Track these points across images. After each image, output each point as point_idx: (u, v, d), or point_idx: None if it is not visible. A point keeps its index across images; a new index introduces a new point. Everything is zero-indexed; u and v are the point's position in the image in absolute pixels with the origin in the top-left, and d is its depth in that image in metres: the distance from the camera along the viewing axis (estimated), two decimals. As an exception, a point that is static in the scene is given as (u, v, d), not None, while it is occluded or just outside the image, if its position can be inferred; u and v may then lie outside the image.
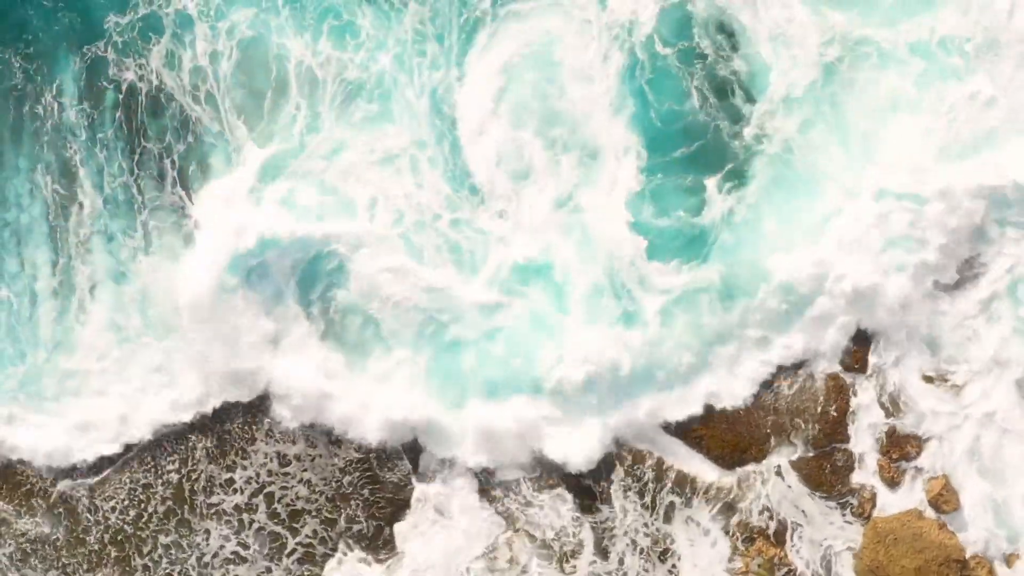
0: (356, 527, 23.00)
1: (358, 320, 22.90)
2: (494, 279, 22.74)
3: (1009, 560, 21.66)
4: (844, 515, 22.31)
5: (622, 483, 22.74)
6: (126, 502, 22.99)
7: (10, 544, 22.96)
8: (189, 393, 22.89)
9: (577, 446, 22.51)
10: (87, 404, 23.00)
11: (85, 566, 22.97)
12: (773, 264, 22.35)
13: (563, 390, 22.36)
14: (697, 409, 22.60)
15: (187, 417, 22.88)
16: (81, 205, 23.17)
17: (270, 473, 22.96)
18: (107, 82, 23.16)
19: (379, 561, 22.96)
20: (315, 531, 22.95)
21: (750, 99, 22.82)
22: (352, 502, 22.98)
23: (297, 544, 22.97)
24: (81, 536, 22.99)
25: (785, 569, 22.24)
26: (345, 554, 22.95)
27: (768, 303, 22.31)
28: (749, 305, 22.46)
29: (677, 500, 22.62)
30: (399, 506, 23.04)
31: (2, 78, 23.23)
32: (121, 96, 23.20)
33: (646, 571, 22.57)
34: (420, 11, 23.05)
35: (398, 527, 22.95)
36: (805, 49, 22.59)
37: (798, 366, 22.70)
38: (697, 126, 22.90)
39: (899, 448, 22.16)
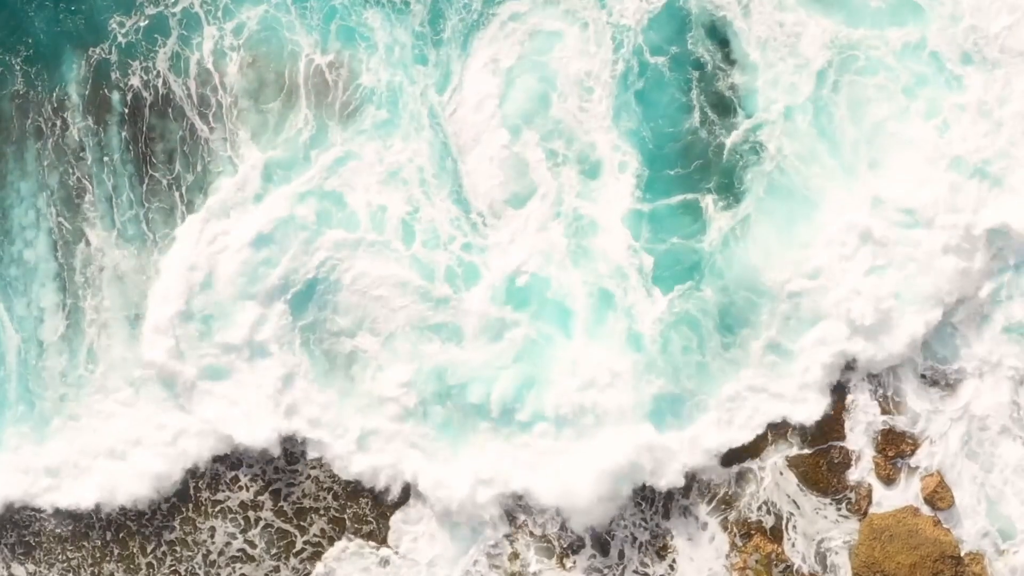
0: (366, 527, 22.95)
1: (352, 352, 22.61)
2: (494, 304, 22.39)
3: (1003, 556, 21.87)
4: (839, 510, 22.47)
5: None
6: (129, 498, 23.04)
7: (12, 536, 22.96)
8: (195, 447, 22.59)
9: (580, 502, 22.11)
10: (98, 460, 22.69)
11: (90, 561, 22.97)
12: (774, 292, 22.28)
13: (566, 423, 22.18)
14: (709, 460, 22.34)
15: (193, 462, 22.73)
16: (88, 242, 22.91)
17: (277, 470, 22.93)
18: (109, 90, 22.79)
19: (385, 545, 22.97)
20: (323, 530, 22.85)
21: (748, 114, 22.72)
22: (360, 499, 22.98)
23: (305, 543, 22.88)
24: (84, 531, 22.99)
25: (783, 565, 22.43)
26: (347, 545, 23.00)
27: (771, 337, 22.28)
28: (751, 339, 22.38)
29: (675, 489, 22.67)
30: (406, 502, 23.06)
31: (4, 84, 22.92)
32: (126, 110, 22.86)
33: (645, 566, 22.74)
34: (421, 13, 22.87)
35: (394, 519, 22.92)
36: (797, 57, 22.53)
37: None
38: (693, 141, 22.76)
39: (894, 446, 22.27)
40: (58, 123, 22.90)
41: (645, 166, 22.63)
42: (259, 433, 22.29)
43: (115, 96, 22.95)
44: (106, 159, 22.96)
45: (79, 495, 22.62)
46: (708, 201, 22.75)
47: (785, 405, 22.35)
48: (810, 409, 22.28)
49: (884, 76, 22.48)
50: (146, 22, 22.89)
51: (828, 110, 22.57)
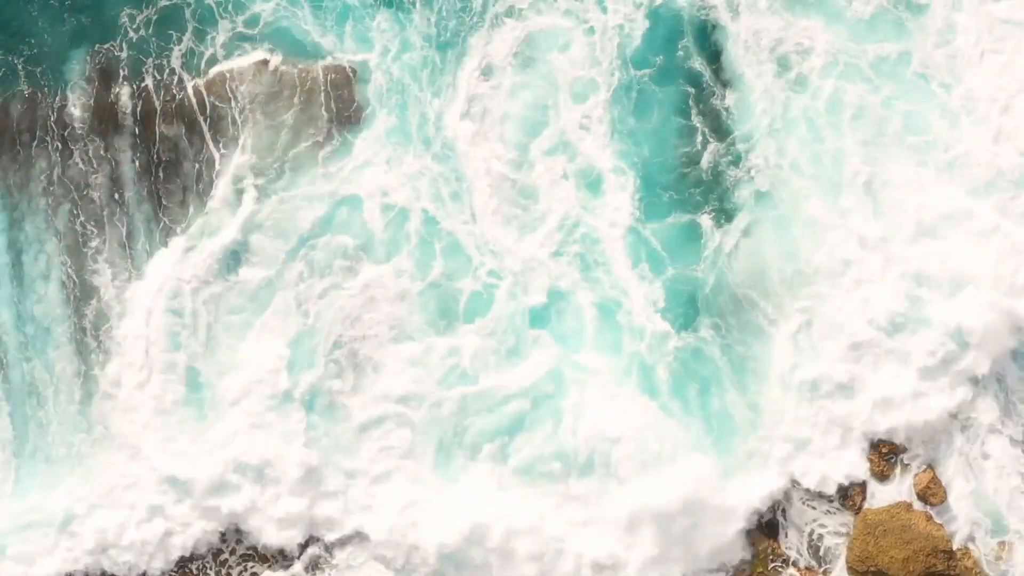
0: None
1: (352, 388, 22.17)
2: (502, 329, 22.12)
3: (993, 550, 22.22)
4: (831, 501, 22.52)
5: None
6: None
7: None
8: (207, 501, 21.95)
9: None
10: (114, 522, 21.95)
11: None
12: (780, 317, 22.46)
13: (583, 467, 21.83)
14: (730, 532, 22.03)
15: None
16: (100, 298, 22.17)
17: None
18: (117, 98, 22.24)
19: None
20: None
21: (740, 130, 22.83)
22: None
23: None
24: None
25: (779, 560, 22.60)
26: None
27: (783, 374, 22.40)
28: (763, 379, 22.44)
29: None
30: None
31: (7, 86, 22.22)
32: (137, 129, 22.26)
33: (644, 561, 22.84)
34: (427, 15, 22.70)
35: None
36: (788, 64, 22.73)
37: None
38: (688, 158, 22.80)
39: (889, 443, 22.60)
40: (61, 147, 22.08)
41: (641, 186, 22.57)
42: (276, 535, 21.92)
43: (124, 103, 22.30)
44: (116, 195, 22.25)
45: (88, 554, 21.89)
46: (707, 224, 22.72)
47: (812, 461, 22.29)
48: (841, 465, 22.33)
49: (867, 84, 22.77)
50: (157, 14, 22.35)
51: (818, 122, 22.76)
